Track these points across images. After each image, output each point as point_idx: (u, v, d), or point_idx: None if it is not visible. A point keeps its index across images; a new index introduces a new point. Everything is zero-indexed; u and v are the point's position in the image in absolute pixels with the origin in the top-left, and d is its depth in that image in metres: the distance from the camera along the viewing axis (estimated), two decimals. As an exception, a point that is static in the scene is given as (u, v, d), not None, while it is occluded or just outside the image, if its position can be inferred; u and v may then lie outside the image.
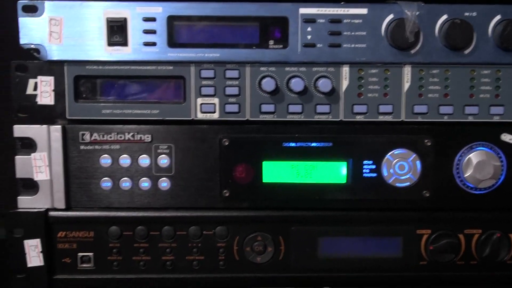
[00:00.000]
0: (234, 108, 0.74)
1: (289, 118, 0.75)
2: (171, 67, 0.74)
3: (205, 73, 0.74)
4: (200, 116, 0.74)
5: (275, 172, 0.75)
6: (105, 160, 0.75)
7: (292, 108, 0.74)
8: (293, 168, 0.75)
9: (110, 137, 0.75)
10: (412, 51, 0.73)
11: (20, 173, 0.75)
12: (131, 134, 0.75)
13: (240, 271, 0.78)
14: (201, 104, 0.74)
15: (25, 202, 0.75)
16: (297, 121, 0.75)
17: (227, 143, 0.75)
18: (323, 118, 0.75)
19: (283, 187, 0.76)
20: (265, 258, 0.77)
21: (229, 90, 0.74)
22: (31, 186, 0.75)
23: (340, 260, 0.78)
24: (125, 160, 0.75)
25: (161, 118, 0.75)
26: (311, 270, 0.78)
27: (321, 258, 0.78)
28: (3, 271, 1.05)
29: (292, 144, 0.75)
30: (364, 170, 0.76)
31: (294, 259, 0.78)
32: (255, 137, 0.75)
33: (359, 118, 0.75)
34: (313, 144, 0.75)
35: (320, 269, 0.78)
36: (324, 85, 0.73)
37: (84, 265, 0.77)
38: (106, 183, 0.76)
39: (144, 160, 0.75)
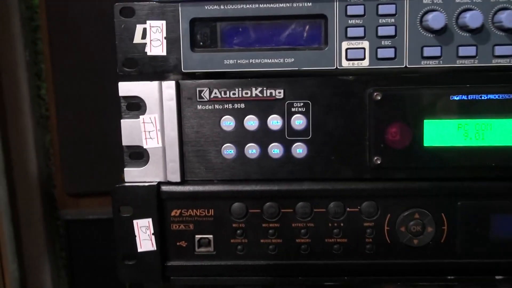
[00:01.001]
0: (388, 53, 0.60)
1: (459, 63, 0.60)
2: (309, 4, 0.59)
3: (353, 10, 0.59)
4: (345, 64, 0.60)
5: (440, 133, 0.60)
6: (228, 122, 0.62)
7: (464, 51, 0.59)
8: (463, 128, 0.60)
9: (234, 94, 0.61)
10: None
11: (126, 140, 0.63)
12: (259, 89, 0.61)
13: (392, 257, 0.64)
14: (347, 49, 0.60)
15: (133, 175, 0.63)
16: (469, 67, 0.60)
17: (379, 98, 0.60)
18: (503, 62, 0.60)
19: (449, 152, 0.61)
20: (424, 240, 0.63)
21: (382, 30, 0.59)
22: (139, 156, 0.63)
23: (518, 242, 0.63)
24: (251, 122, 0.62)
25: (296, 69, 0.61)
26: (481, 255, 0.63)
27: (494, 240, 0.63)
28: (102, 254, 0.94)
29: (462, 97, 0.60)
30: (554, 129, 0.60)
31: (460, 241, 0.63)
32: (415, 89, 0.60)
33: (550, 61, 0.59)
34: (489, 97, 0.60)
35: (492, 253, 0.63)
36: (509, 19, 0.57)
37: (203, 249, 0.65)
38: (228, 150, 0.62)
39: (275, 121, 0.62)
